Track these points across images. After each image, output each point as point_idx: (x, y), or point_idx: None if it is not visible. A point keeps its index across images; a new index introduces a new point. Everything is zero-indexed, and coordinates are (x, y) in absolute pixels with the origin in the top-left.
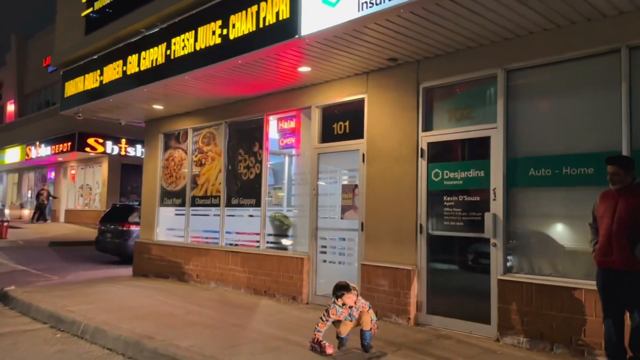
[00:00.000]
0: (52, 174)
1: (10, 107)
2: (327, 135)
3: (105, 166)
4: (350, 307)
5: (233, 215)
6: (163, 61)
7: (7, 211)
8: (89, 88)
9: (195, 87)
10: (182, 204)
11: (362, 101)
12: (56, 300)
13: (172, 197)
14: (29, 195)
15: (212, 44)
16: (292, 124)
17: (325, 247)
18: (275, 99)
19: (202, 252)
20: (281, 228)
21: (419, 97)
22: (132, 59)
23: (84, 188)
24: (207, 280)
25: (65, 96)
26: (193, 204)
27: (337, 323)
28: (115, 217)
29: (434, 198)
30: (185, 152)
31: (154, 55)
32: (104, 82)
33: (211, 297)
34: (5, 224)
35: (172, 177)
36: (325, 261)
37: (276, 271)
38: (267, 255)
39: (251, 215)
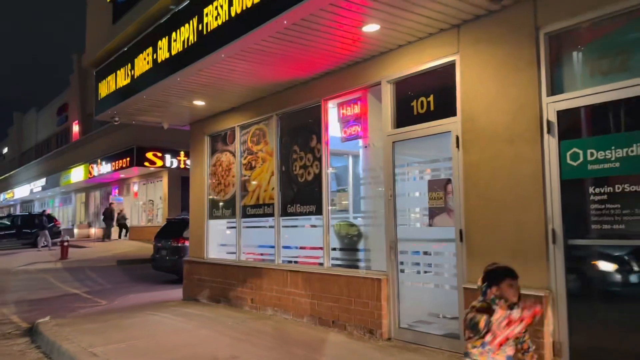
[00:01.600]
0: (116, 191)
1: (76, 128)
2: (404, 117)
3: (165, 180)
4: (512, 309)
5: (290, 226)
6: (195, 40)
7: (75, 230)
8: (121, 86)
9: (237, 71)
10: (233, 215)
11: (451, 66)
12: (84, 337)
13: (222, 207)
14: (101, 212)
15: (249, 4)
16: (357, 109)
17: (408, 264)
18: (334, 79)
19: (256, 272)
20: (349, 240)
21: (539, 49)
22: (162, 43)
23: (146, 204)
24: (263, 305)
25: (99, 99)
26: (244, 215)
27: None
28: (170, 232)
29: (573, 191)
30: (234, 155)
31: (185, 34)
32: (135, 77)
33: (266, 330)
34: (66, 243)
35: (221, 184)
36: (409, 283)
37: (346, 296)
38: (334, 276)
39: (313, 226)
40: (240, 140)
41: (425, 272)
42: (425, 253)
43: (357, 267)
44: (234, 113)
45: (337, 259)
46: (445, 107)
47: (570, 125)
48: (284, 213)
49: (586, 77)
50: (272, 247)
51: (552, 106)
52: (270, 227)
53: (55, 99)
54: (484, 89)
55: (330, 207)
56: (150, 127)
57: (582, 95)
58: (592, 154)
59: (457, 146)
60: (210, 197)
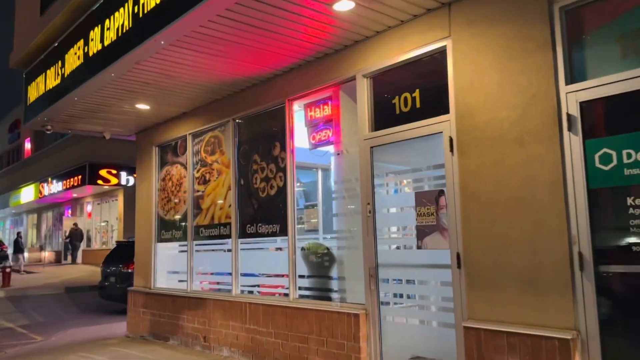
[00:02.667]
0: (69, 212)
1: (28, 145)
2: (384, 117)
3: (121, 199)
4: None
5: (250, 249)
6: (130, 25)
7: (26, 254)
8: (51, 87)
9: (183, 65)
10: (184, 237)
11: (441, 53)
12: None
13: (172, 228)
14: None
15: None
16: (327, 110)
17: (391, 295)
18: (300, 75)
19: (210, 304)
20: (320, 266)
21: (553, 27)
22: (94, 33)
23: (100, 225)
24: (218, 345)
25: (28, 104)
26: (197, 236)
27: None
28: (120, 256)
29: (604, 203)
30: (185, 167)
31: (120, 20)
32: (65, 75)
33: None
34: (8, 269)
35: (171, 201)
36: (393, 319)
37: (316, 335)
38: (302, 310)
39: (277, 249)
40: (193, 151)
41: (413, 306)
42: (413, 282)
43: (329, 298)
44: (185, 119)
45: (305, 288)
46: (435, 103)
47: (597, 120)
48: (243, 234)
49: (615, 60)
50: (229, 274)
51: (573, 97)
52: (227, 250)
53: (8, 114)
54: (483, 79)
55: (297, 227)
56: (104, 142)
57: (611, 82)
58: (629, 156)
59: (451, 150)
60: (159, 216)
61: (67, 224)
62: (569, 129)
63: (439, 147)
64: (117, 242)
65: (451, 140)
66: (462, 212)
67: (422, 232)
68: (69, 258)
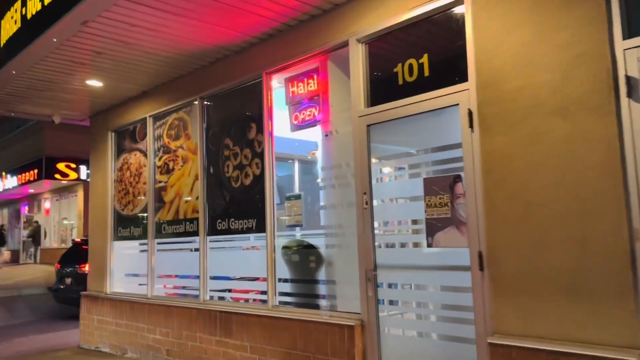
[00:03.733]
0: (26, 209)
1: None
2: (384, 89)
3: (80, 195)
4: None
5: (221, 249)
6: None
7: None
8: None
9: (139, 27)
10: (144, 235)
11: (456, 7)
12: None
13: (130, 225)
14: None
15: None
16: (313, 85)
17: (393, 303)
18: (281, 42)
19: (174, 312)
20: (305, 268)
21: None
22: None
23: (59, 223)
24: (184, 359)
25: None
26: (159, 234)
27: None
28: (77, 256)
29: None
30: (145, 155)
31: None
32: (1, 45)
33: None
34: None
35: (129, 194)
36: (396, 332)
37: (301, 350)
38: (283, 320)
39: (253, 248)
40: (154, 135)
41: (421, 316)
42: (421, 287)
43: (316, 306)
44: (145, 99)
45: (287, 294)
46: (449, 70)
47: None
48: (213, 231)
49: None
50: (197, 277)
51: (633, 54)
52: (194, 250)
53: None
54: (512, 37)
55: (277, 222)
56: (63, 133)
57: None
58: None
59: (471, 125)
60: (116, 211)
61: (26, 222)
62: (629, 95)
63: (454, 123)
64: (73, 240)
65: (470, 114)
66: (486, 201)
67: (432, 227)
68: (29, 257)
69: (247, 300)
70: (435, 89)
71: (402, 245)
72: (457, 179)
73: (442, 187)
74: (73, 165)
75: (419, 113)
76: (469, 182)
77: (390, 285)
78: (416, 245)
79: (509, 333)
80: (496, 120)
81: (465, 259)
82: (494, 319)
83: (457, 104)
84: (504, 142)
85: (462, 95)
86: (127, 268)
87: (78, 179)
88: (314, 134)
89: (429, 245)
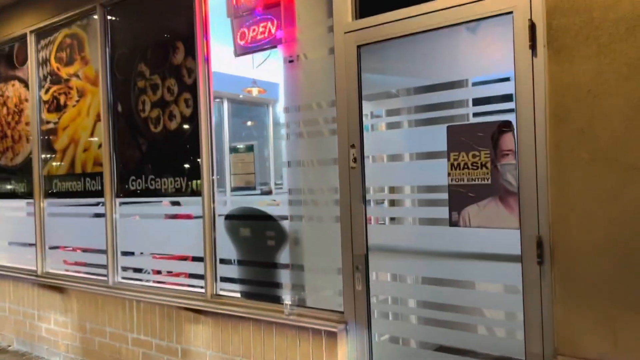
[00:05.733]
0: None
1: None
2: None
3: None
4: None
5: (134, 216)
6: None
7: None
8: None
9: None
10: (29, 194)
11: None
12: None
13: (12, 178)
14: None
15: None
16: None
17: (394, 302)
18: None
19: (73, 298)
20: (258, 246)
21: None
22: None
23: None
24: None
25: None
26: (49, 193)
27: None
28: None
29: None
30: (27, 86)
31: None
32: None
33: None
34: None
35: (7, 138)
36: (397, 343)
37: None
38: (228, 318)
39: (183, 216)
40: (38, 59)
41: (433, 321)
42: (435, 282)
43: (277, 300)
44: (24, 8)
45: (232, 280)
46: None
47: None
48: (124, 191)
49: None
50: (103, 252)
51: None
52: (97, 215)
53: None
54: None
55: (216, 181)
56: None
57: None
58: None
59: (532, 46)
60: None
61: None
62: None
63: (500, 43)
64: None
65: (533, 27)
66: (555, 163)
67: (460, 198)
68: None
69: (178, 287)
70: None
71: (406, 221)
72: (505, 127)
73: (479, 139)
74: None
75: (439, 28)
76: (524, 132)
77: (389, 279)
78: (431, 222)
79: (584, 357)
80: (577, 38)
81: (511, 246)
82: (559, 334)
83: (510, 12)
84: (591, 72)
85: (517, 2)
86: (9, 235)
87: None
88: (272, 62)
89: (454, 224)
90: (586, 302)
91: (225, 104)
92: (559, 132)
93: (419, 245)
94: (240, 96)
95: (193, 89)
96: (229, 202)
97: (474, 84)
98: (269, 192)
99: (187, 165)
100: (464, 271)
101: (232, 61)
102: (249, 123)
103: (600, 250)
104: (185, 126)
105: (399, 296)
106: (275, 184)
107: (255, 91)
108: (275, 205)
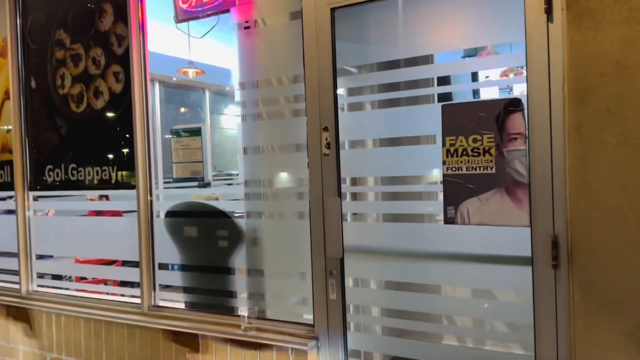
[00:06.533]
0: None
1: None
2: None
3: None
4: None
5: (54, 212)
6: None
7: None
8: None
9: None
10: None
11: None
12: None
13: None
14: None
15: None
16: None
17: (377, 313)
18: None
19: None
20: (208, 248)
21: None
22: None
23: None
24: None
25: None
26: None
27: None
28: None
29: None
30: None
31: None
32: None
33: None
34: None
35: None
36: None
37: None
38: (171, 335)
39: (112, 214)
40: None
41: (422, 336)
42: (424, 289)
43: (231, 311)
44: None
45: (175, 290)
46: None
47: None
48: (39, 184)
49: None
50: (14, 255)
51: None
52: (7, 212)
53: None
54: None
55: (155, 171)
56: None
57: None
58: None
59: (548, 10)
60: None
61: None
62: None
63: (506, 8)
64: None
65: None
66: (574, 148)
67: (456, 190)
68: None
69: (100, 298)
70: None
71: (393, 217)
72: (513, 106)
73: (481, 120)
74: None
75: None
76: (537, 112)
77: (371, 285)
78: (421, 219)
79: None
80: (603, 2)
81: (519, 246)
82: (579, 350)
83: None
84: (619, 40)
85: None
86: None
87: None
88: (221, 30)
89: (449, 221)
90: (612, 312)
91: (157, 87)
92: (581, 111)
93: (407, 246)
94: (174, 79)
95: (124, 61)
96: (161, 196)
97: (477, 52)
98: (207, 185)
99: (117, 152)
100: (462, 276)
101: (163, 38)
102: (182, 109)
103: (629, 252)
104: (115, 105)
105: (382, 306)
106: (213, 176)
107: (191, 73)
108: (214, 199)
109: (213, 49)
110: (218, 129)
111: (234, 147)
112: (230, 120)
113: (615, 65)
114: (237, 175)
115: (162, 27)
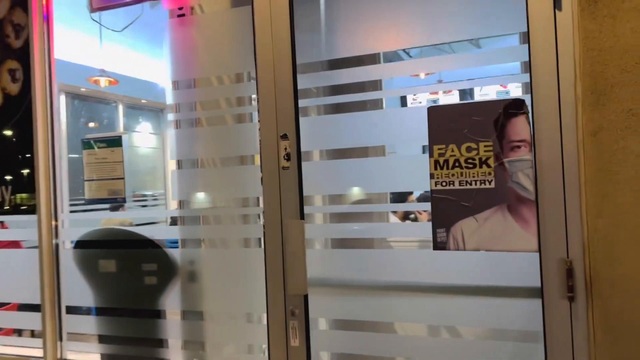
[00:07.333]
0: None
1: None
2: None
3: None
4: None
5: None
6: None
7: None
8: None
9: None
10: None
11: None
12: None
13: None
14: None
15: None
16: None
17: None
18: None
19: None
20: (132, 286)
21: None
22: None
23: None
24: None
25: None
26: None
27: None
28: None
29: None
30: None
31: None
32: None
33: None
34: None
35: None
36: None
37: None
38: None
39: (11, 244)
40: None
41: None
42: (410, 330)
43: None
44: None
45: (89, 339)
46: None
47: None
48: None
49: None
50: None
51: None
52: None
53: None
54: None
55: (62, 192)
56: None
57: None
58: None
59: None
60: None
61: None
62: None
63: None
64: None
65: None
66: (591, 158)
67: (447, 209)
68: None
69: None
70: None
71: (369, 243)
72: (515, 108)
73: (476, 125)
74: None
75: None
76: (545, 115)
77: (336, 325)
78: (405, 244)
79: None
80: None
81: (532, 277)
82: None
83: None
84: None
85: None
86: None
87: None
88: (143, 30)
89: (439, 246)
90: None
91: (63, 98)
92: (598, 114)
93: (388, 278)
94: (82, 89)
95: (23, 56)
96: (66, 221)
97: (473, 42)
98: (119, 207)
99: (13, 168)
100: (457, 312)
101: (70, 45)
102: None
103: None
104: (11, 109)
105: (357, 352)
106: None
107: (104, 82)
108: (128, 225)
109: (130, 56)
110: (131, 147)
111: (148, 166)
112: (146, 138)
113: (638, 60)
114: (152, 196)
115: (69, 31)
